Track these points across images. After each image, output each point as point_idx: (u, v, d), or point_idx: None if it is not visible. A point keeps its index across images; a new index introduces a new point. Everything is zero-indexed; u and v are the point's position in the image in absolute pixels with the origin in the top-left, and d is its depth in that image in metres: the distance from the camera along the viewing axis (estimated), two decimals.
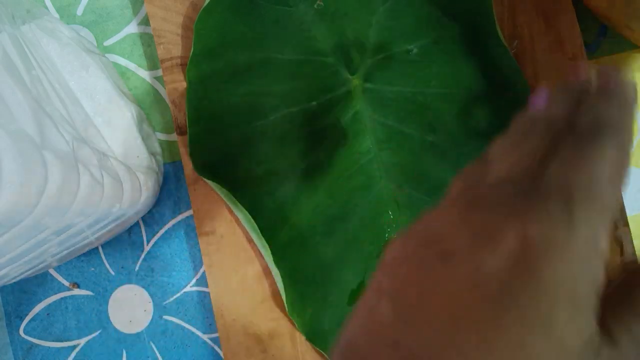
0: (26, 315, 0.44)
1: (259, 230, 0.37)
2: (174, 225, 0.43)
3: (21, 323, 0.44)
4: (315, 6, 0.38)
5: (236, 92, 0.39)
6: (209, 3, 0.37)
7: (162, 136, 0.44)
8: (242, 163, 0.39)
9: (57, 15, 0.44)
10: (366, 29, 0.39)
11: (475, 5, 0.38)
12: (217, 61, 0.38)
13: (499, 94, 0.39)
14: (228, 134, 0.38)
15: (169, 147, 0.44)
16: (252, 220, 0.37)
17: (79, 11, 0.44)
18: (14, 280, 0.40)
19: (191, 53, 0.38)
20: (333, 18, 0.39)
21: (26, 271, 0.37)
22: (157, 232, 0.43)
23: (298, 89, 0.39)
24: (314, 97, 0.39)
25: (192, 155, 0.38)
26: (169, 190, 0.43)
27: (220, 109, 0.38)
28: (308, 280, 0.39)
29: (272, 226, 0.38)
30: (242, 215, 0.38)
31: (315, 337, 0.38)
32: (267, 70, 0.39)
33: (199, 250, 0.41)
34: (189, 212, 0.43)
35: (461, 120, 0.39)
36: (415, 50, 0.39)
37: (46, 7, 0.44)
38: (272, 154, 0.39)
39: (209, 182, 0.38)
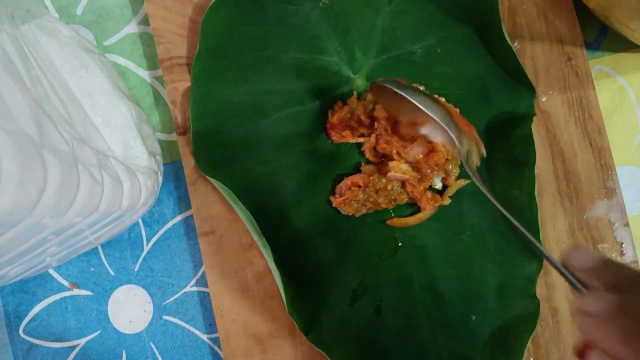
0: (26, 315, 0.44)
1: (259, 230, 0.37)
2: (173, 225, 0.43)
3: (21, 323, 0.44)
4: (321, 4, 0.38)
5: (240, 90, 0.38)
6: (215, 1, 0.37)
7: (161, 136, 0.44)
8: (244, 162, 0.39)
9: (56, 15, 0.44)
10: (371, 29, 0.39)
11: (481, 4, 0.38)
12: (222, 59, 0.38)
13: (504, 96, 0.39)
14: (231, 132, 0.38)
15: (168, 147, 0.43)
16: (253, 220, 0.37)
17: (79, 11, 0.44)
18: (13, 280, 0.40)
19: (197, 50, 0.38)
20: (338, 17, 0.39)
21: (26, 271, 0.37)
22: (157, 232, 0.43)
23: (301, 89, 0.39)
24: (317, 97, 0.39)
25: (195, 153, 0.38)
26: (169, 190, 0.43)
27: (223, 106, 0.38)
28: (308, 280, 0.39)
29: (273, 225, 0.38)
30: (243, 214, 0.38)
31: (316, 336, 0.38)
32: (271, 69, 0.39)
33: (199, 250, 0.41)
34: (189, 212, 0.43)
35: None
36: (419, 52, 0.39)
37: (46, 7, 0.44)
38: (274, 153, 0.39)
39: (212, 180, 0.38)
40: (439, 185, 0.39)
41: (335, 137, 0.39)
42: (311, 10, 0.38)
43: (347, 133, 0.39)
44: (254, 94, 0.39)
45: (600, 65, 0.42)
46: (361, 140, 0.39)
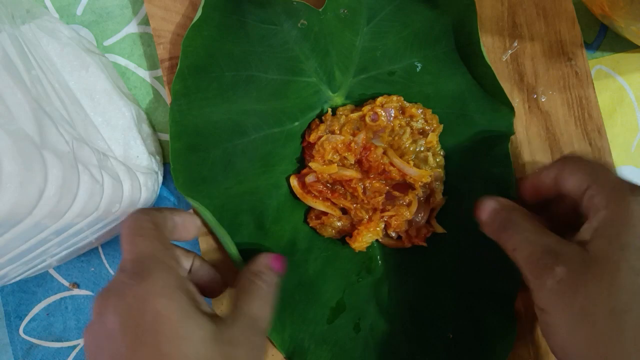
0: (26, 315, 0.44)
1: (237, 251, 0.36)
2: None
3: (21, 323, 0.44)
4: (299, 25, 0.38)
5: (220, 110, 0.38)
6: (197, 20, 0.36)
7: (162, 136, 0.44)
8: (223, 180, 0.38)
9: (56, 15, 0.44)
10: (350, 49, 0.39)
11: (460, 24, 0.38)
12: (203, 78, 0.37)
13: (483, 114, 0.39)
14: (210, 150, 0.37)
15: (168, 147, 0.43)
16: (232, 243, 0.36)
17: (79, 11, 0.44)
18: (14, 280, 0.40)
19: (177, 68, 0.37)
20: (317, 38, 0.38)
21: (26, 271, 0.37)
22: None
23: (280, 110, 0.39)
24: (296, 118, 0.39)
25: (174, 171, 0.37)
26: (169, 190, 0.43)
27: (203, 125, 0.37)
28: (287, 299, 0.38)
29: (251, 246, 0.37)
30: (223, 236, 0.37)
31: (295, 356, 0.38)
32: (251, 89, 0.38)
33: (199, 250, 0.41)
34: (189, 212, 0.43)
35: (443, 141, 0.39)
36: (399, 71, 0.39)
37: (46, 7, 0.44)
38: (253, 173, 0.38)
39: (191, 200, 0.36)
40: (422, 220, 0.39)
41: (310, 200, 0.39)
42: (290, 30, 0.38)
43: (319, 202, 0.39)
44: (234, 114, 0.38)
45: (600, 65, 0.43)
46: (331, 211, 0.39)
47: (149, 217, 0.30)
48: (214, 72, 0.38)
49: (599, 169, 0.30)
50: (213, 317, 0.28)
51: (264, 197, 0.39)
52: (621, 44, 0.42)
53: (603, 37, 0.42)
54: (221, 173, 0.38)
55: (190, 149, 0.37)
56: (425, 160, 0.38)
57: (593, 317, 0.26)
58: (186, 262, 0.33)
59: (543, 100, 0.40)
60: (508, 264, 0.37)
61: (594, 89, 0.40)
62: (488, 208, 0.34)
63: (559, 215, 0.34)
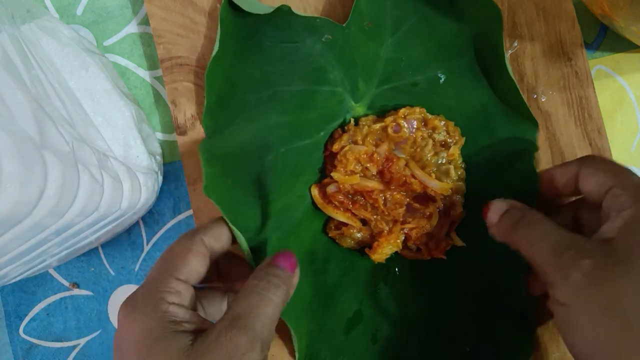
0: (26, 315, 0.44)
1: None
2: (173, 225, 0.43)
3: (21, 323, 0.44)
4: (323, 39, 0.38)
5: (246, 131, 0.38)
6: (217, 52, 0.36)
7: (162, 136, 0.44)
8: (256, 202, 0.37)
9: (57, 15, 0.44)
10: (374, 60, 0.39)
11: (484, 36, 0.38)
12: (230, 107, 0.38)
13: (505, 128, 0.39)
14: (240, 174, 0.37)
15: (169, 147, 0.44)
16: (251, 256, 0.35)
17: (79, 11, 0.44)
18: (14, 280, 0.40)
19: (205, 104, 0.37)
20: (342, 49, 0.38)
21: (26, 271, 0.37)
22: (157, 232, 0.43)
23: (306, 121, 0.38)
24: (321, 128, 0.39)
25: (208, 192, 0.35)
26: (169, 190, 0.43)
27: (232, 149, 0.37)
28: (305, 309, 0.37)
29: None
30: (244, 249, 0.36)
31: None
32: (275, 103, 0.38)
33: None
34: (189, 212, 0.43)
35: (464, 154, 0.39)
36: (421, 83, 0.39)
37: (46, 7, 0.44)
38: (284, 188, 0.38)
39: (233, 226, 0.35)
40: (442, 232, 0.39)
41: (332, 211, 0.38)
42: (313, 45, 0.38)
43: (339, 213, 0.38)
44: (259, 131, 0.38)
45: (600, 65, 0.43)
46: (351, 222, 0.38)
47: (175, 245, 0.32)
48: (238, 99, 0.38)
49: (619, 170, 0.31)
50: (195, 332, 0.28)
51: (292, 211, 0.38)
52: (621, 44, 0.42)
53: (603, 37, 0.43)
54: (253, 195, 0.37)
55: (222, 175, 0.36)
56: (446, 173, 0.38)
57: (623, 309, 0.26)
58: (187, 287, 0.31)
59: (543, 100, 0.40)
60: (526, 279, 0.37)
61: (594, 89, 0.40)
62: (498, 209, 0.33)
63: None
